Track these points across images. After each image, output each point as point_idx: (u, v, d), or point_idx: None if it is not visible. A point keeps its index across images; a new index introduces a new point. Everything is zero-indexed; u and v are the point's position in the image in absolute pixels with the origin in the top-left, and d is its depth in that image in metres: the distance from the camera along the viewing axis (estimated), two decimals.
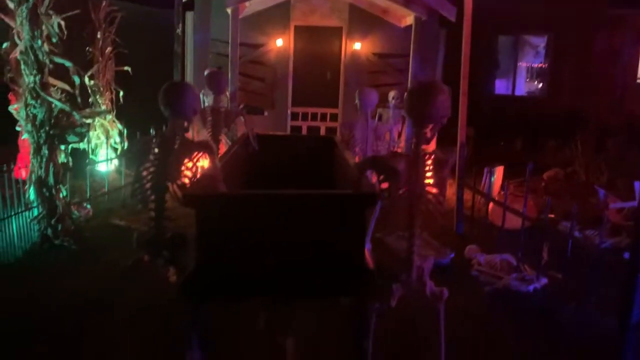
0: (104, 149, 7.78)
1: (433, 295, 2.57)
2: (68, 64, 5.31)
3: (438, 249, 4.75)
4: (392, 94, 8.34)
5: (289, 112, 8.77)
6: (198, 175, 2.67)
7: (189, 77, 8.45)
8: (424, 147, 2.39)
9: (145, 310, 3.55)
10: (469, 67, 6.06)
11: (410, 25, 8.38)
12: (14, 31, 5.24)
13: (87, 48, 7.79)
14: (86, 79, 7.16)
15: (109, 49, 8.12)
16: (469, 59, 6.05)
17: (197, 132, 6.87)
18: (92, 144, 7.47)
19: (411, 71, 7.59)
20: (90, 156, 7.34)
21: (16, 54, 5.16)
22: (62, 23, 5.31)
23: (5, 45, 5.43)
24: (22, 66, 5.17)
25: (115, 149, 7.84)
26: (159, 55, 9.24)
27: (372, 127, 4.43)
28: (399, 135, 8.44)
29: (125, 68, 8.16)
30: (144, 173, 2.70)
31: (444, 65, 9.20)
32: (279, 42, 8.50)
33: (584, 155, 8.86)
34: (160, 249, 2.70)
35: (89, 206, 6.46)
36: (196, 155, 2.64)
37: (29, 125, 5.20)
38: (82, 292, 4.37)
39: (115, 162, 7.89)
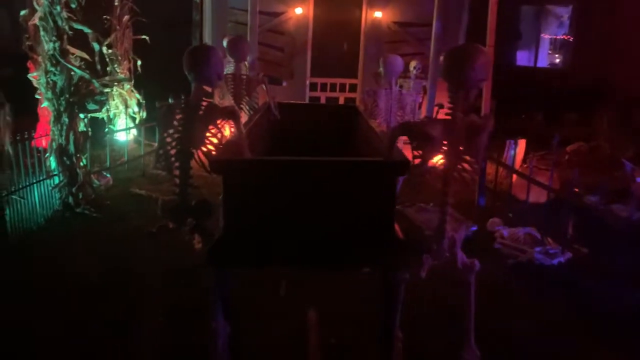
0: (122, 119, 7.76)
1: (464, 266, 2.52)
2: (87, 30, 5.25)
3: (460, 221, 4.67)
4: (413, 64, 8.16)
5: (307, 82, 8.64)
6: (223, 142, 2.60)
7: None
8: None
9: (169, 277, 3.54)
10: (494, 36, 5.90)
11: None
12: None
13: (105, 16, 7.70)
14: (104, 48, 7.10)
15: (126, 17, 8.02)
16: (495, 28, 5.88)
17: (218, 100, 6.81)
18: (111, 113, 7.44)
19: (434, 38, 7.40)
20: (109, 125, 7.32)
21: (35, 20, 5.11)
22: None
23: (23, 12, 5.39)
24: (42, 32, 5.13)
25: (134, 119, 7.81)
26: (176, 24, 9.13)
27: (396, 96, 4.32)
28: (419, 106, 8.31)
29: (143, 37, 8.07)
30: (168, 139, 2.65)
31: (466, 34, 8.96)
32: (299, 11, 8.33)
33: (609, 128, 8.65)
34: (185, 216, 2.66)
35: (108, 175, 6.47)
36: (221, 121, 2.57)
37: (49, 93, 5.17)
38: (105, 258, 4.40)
39: (134, 131, 7.87)
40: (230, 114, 2.59)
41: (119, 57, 7.80)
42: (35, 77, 5.42)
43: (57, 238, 4.82)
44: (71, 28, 5.19)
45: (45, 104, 5.29)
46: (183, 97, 2.67)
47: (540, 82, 12.92)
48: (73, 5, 5.17)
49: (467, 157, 2.25)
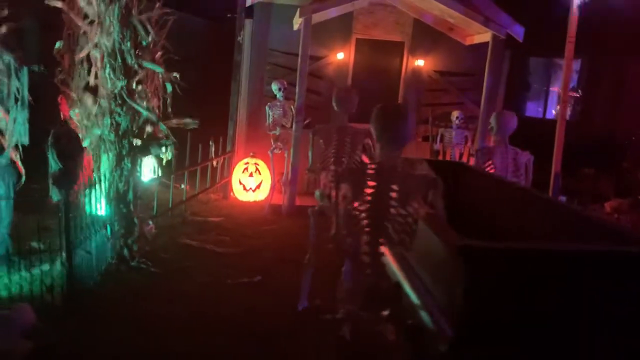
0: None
1: None
2: (159, 69, 4.87)
3: None
4: (455, 114, 8.04)
5: None
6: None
7: (244, 87, 8.02)
8: None
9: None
10: (567, 91, 5.76)
11: (475, 44, 8.10)
12: (80, 32, 4.81)
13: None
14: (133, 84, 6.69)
15: (158, 53, 7.66)
16: (568, 84, 5.74)
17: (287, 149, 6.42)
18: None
19: (485, 90, 7.25)
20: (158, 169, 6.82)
21: (82, 54, 4.73)
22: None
23: (58, 44, 4.99)
24: (107, 70, 4.74)
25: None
26: (214, 65, 8.86)
27: (512, 155, 4.06)
28: (460, 156, 8.12)
29: (174, 74, 7.70)
30: (356, 205, 2.28)
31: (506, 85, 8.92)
32: (340, 56, 8.12)
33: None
34: (380, 303, 2.27)
35: (151, 223, 5.98)
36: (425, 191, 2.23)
37: (112, 135, 4.74)
38: (176, 319, 3.95)
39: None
40: (431, 184, 2.24)
41: (149, 94, 7.40)
42: (77, 115, 4.97)
43: (119, 296, 4.31)
44: (140, 66, 4.81)
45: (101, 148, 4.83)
46: (375, 163, 2.31)
47: (550, 133, 12.98)
48: (145, 42, 4.81)
49: None
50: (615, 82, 13.17)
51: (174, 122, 5.02)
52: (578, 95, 14.05)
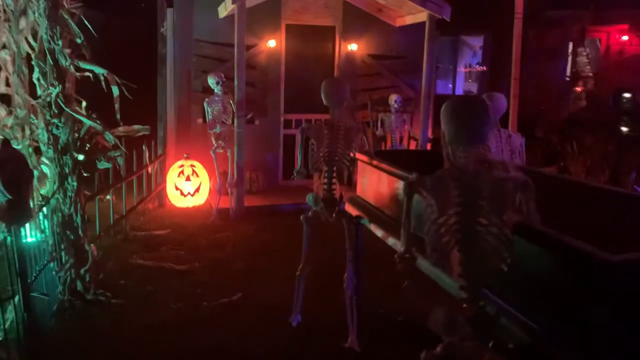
0: None
1: None
2: (100, 70, 4.18)
3: None
4: (393, 97, 7.89)
5: (282, 119, 7.94)
6: None
7: (169, 83, 7.31)
8: None
9: None
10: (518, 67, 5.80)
11: (406, 26, 8.00)
12: None
13: None
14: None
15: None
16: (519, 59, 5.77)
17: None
18: None
19: (425, 71, 7.17)
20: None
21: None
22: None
23: None
24: (35, 75, 4.00)
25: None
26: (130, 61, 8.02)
27: (506, 138, 3.90)
28: (401, 139, 8.02)
29: (87, 74, 6.85)
30: (441, 218, 1.96)
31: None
32: (272, 43, 7.64)
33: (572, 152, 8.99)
34: (483, 330, 1.97)
35: (92, 245, 5.25)
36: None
37: (50, 151, 4.02)
38: (159, 358, 3.46)
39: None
40: (524, 187, 1.97)
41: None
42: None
43: (83, 340, 3.67)
44: (78, 68, 4.11)
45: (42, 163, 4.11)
46: (456, 169, 2.00)
47: None
48: (79, 40, 4.10)
49: None
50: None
51: (121, 129, 4.36)
52: (484, 69, 14.63)
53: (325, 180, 3.53)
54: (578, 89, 14.66)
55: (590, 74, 14.71)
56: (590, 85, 14.78)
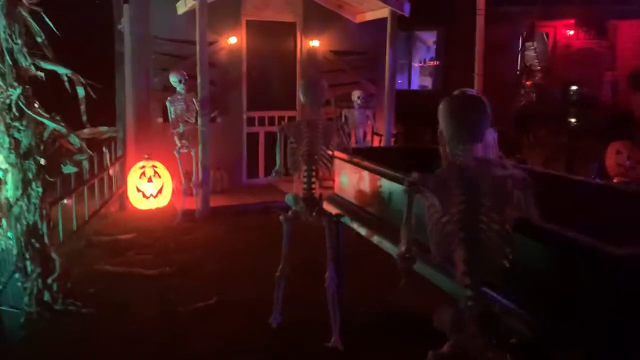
0: None
1: None
2: (64, 70, 3.98)
3: None
4: (356, 93, 7.91)
5: (244, 117, 7.82)
6: None
7: (128, 82, 7.09)
8: None
9: None
10: (482, 62, 5.90)
11: (366, 22, 8.02)
12: None
13: None
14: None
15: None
16: (482, 54, 5.87)
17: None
18: None
19: (389, 67, 7.22)
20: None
21: None
22: None
23: None
24: None
25: None
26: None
27: None
28: (364, 135, 8.05)
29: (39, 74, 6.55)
30: (444, 218, 1.96)
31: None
32: (232, 40, 7.51)
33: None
34: (490, 327, 1.97)
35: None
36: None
37: (12, 156, 3.81)
38: None
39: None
40: (522, 183, 1.99)
41: None
42: None
43: (55, 355, 3.50)
44: (39, 68, 3.91)
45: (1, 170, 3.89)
46: (457, 167, 1.99)
47: (417, 103, 13.62)
48: (39, 39, 3.89)
49: None
50: (469, 50, 14.11)
51: (87, 131, 4.17)
52: (437, 64, 14.87)
53: (305, 180, 3.49)
54: (527, 82, 15.11)
55: (539, 68, 15.19)
56: (538, 78, 15.26)
